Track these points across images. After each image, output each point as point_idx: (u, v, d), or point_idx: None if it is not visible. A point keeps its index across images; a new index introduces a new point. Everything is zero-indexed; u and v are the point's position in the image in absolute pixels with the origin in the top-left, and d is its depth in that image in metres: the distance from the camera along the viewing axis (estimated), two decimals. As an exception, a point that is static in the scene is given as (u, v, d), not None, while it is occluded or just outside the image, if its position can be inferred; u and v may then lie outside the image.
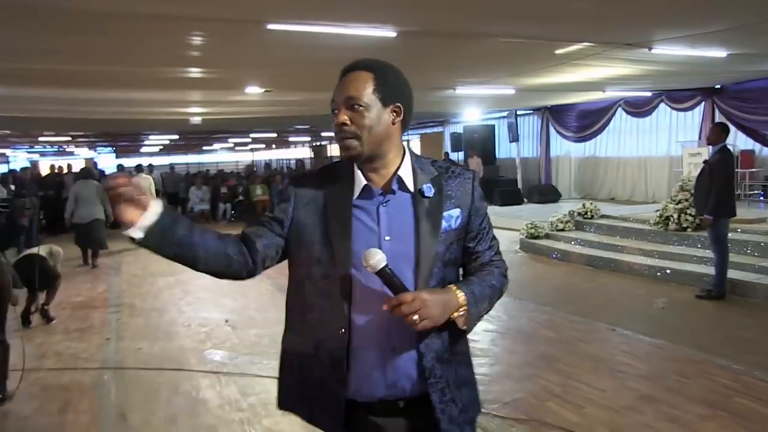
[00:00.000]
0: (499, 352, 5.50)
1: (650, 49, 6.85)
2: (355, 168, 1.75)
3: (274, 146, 36.18)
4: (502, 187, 15.99)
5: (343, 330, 1.70)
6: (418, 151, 13.82)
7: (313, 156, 31.96)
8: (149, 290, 8.73)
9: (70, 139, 22.78)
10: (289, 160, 32.85)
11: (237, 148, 35.06)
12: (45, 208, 15.45)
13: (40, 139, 21.74)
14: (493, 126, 18.13)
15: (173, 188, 19.40)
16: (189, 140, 28.25)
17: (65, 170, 18.29)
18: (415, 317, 1.58)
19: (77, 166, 19.65)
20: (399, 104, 1.72)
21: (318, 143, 32.33)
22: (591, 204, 10.71)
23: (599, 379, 4.74)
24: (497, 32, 6.13)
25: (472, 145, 17.49)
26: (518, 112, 17.07)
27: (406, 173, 1.76)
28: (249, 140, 29.27)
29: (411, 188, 1.76)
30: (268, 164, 25.62)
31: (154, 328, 6.68)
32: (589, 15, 5.50)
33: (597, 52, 7.16)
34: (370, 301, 1.68)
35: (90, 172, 11.64)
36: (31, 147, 26.76)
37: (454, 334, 1.76)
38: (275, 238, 1.79)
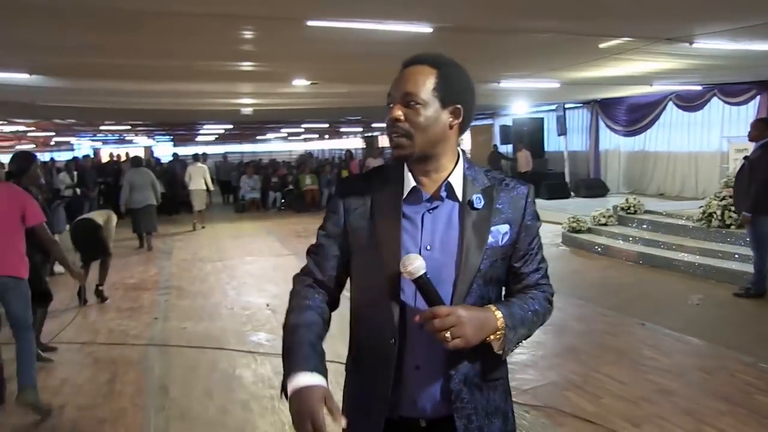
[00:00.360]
0: (526, 343, 5.61)
1: (691, 43, 6.80)
2: (405, 169, 1.65)
3: (327, 136, 36.63)
4: (549, 180, 15.94)
5: (393, 340, 1.59)
6: (467, 143, 14.10)
7: (364, 146, 32.21)
8: (197, 274, 9.11)
9: (129, 128, 23.55)
10: (341, 150, 33.17)
11: (290, 138, 35.60)
12: (104, 194, 16.16)
13: (102, 127, 22.55)
14: (542, 119, 18.02)
15: (226, 176, 19.97)
16: (243, 130, 28.81)
17: (123, 158, 18.99)
18: (447, 334, 1.47)
19: (135, 154, 20.36)
20: (459, 106, 1.60)
21: (369, 134, 32.60)
22: (635, 199, 10.62)
23: (620, 370, 4.83)
24: (534, 28, 6.20)
25: (520, 137, 17.43)
26: (567, 106, 16.93)
27: (457, 180, 1.64)
28: (301, 130, 29.71)
29: (460, 197, 1.64)
30: (311, 154, 25.91)
31: (199, 310, 7.03)
32: (627, 10, 5.52)
33: (637, 47, 7.14)
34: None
35: (140, 160, 12.17)
36: (94, 135, 27.75)
37: (488, 357, 1.61)
38: (336, 259, 1.71)
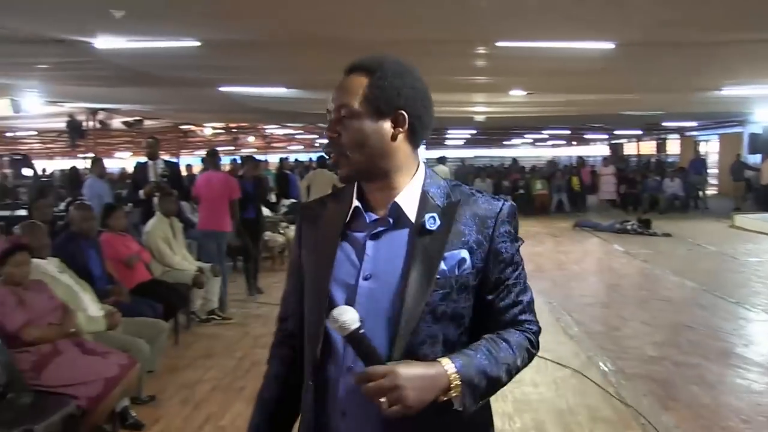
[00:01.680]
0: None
1: None
2: (355, 187, 1.44)
3: (574, 143, 36.38)
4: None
5: (310, 382, 1.40)
6: (715, 152, 13.80)
7: (609, 153, 31.52)
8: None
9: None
10: (595, 156, 32.68)
11: (537, 144, 35.98)
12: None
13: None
14: (798, 128, 16.47)
15: (462, 180, 21.26)
16: (490, 135, 29.97)
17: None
18: (383, 400, 1.22)
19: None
20: (402, 112, 1.37)
21: (615, 141, 31.87)
22: None
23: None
24: (728, 40, 6.30)
25: (768, 147, 16.14)
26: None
27: (409, 200, 1.39)
28: (546, 136, 30.05)
29: (412, 218, 1.38)
30: (551, 161, 26.13)
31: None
32: None
33: None
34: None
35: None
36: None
37: (443, 415, 1.29)
38: (296, 293, 1.51)
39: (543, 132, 26.63)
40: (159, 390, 4.51)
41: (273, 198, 12.55)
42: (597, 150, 34.40)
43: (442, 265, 1.33)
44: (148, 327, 4.45)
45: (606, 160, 20.43)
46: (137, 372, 3.77)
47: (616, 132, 26.17)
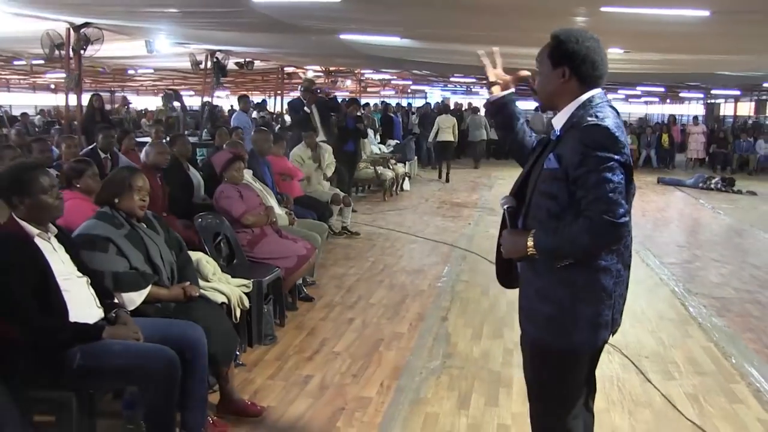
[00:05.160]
0: None
1: None
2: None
3: (668, 101, 35.93)
4: None
5: None
6: None
7: (704, 113, 31.09)
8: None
9: (475, 80, 26.65)
10: (682, 115, 32.33)
11: (630, 100, 35.74)
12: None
13: (452, 79, 26.01)
14: None
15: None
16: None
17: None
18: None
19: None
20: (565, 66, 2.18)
21: (712, 101, 31.35)
22: None
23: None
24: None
25: None
26: None
27: (558, 120, 2.24)
28: (638, 93, 29.92)
29: (558, 132, 2.22)
30: (641, 118, 26.24)
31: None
32: None
33: None
34: None
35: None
36: (445, 86, 31.63)
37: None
38: None
39: (636, 88, 26.62)
40: (317, 277, 5.86)
41: (377, 138, 13.81)
42: (692, 109, 33.91)
43: (545, 163, 2.17)
44: (314, 226, 5.77)
45: (696, 119, 20.57)
46: (315, 256, 5.09)
47: (712, 91, 25.89)
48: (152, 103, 27.70)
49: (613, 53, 11.40)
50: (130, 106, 17.60)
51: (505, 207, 2.33)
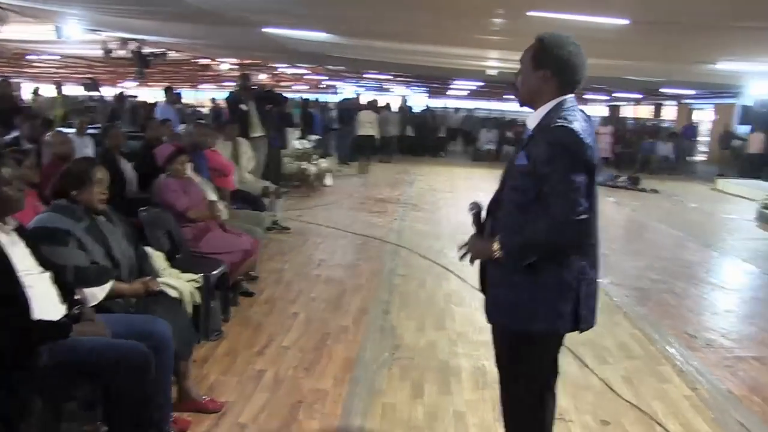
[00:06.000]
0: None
1: None
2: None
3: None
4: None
5: None
6: (709, 121, 15.72)
7: (608, 114, 32.66)
8: (430, 198, 11.57)
9: (390, 77, 26.89)
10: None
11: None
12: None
13: (365, 75, 26.16)
14: (787, 102, 17.77)
15: (469, 128, 22.48)
16: (492, 88, 30.96)
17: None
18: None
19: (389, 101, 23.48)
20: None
21: (613, 103, 33.02)
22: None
23: None
24: (731, 25, 7.46)
25: (758, 119, 17.45)
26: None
27: (532, 120, 2.39)
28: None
29: (530, 131, 2.38)
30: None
31: (426, 218, 9.44)
32: None
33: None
34: None
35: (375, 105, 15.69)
36: (357, 82, 31.76)
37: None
38: None
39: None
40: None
41: (298, 133, 13.75)
42: (595, 110, 35.53)
43: (517, 160, 2.37)
44: (253, 218, 5.73)
45: (605, 120, 21.59)
46: (259, 250, 5.07)
47: (615, 94, 27.22)
48: (51, 92, 26.31)
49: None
50: (39, 92, 16.65)
51: (472, 212, 2.55)
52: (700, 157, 21.69)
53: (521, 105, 2.47)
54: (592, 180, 2.30)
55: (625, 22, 7.43)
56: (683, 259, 7.68)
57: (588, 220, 2.26)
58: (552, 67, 2.33)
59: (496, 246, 2.35)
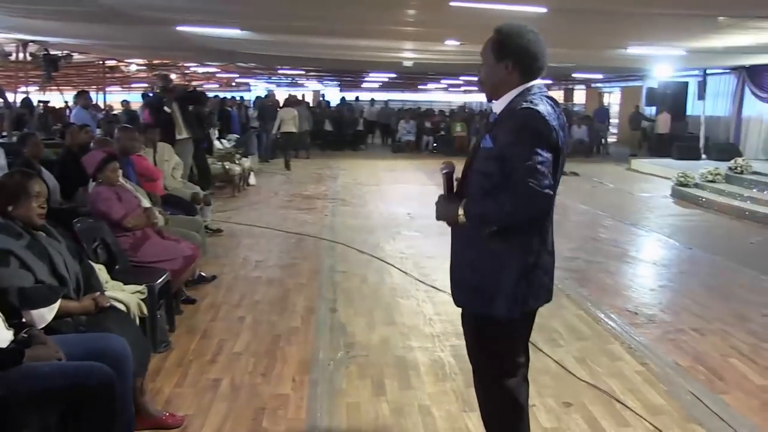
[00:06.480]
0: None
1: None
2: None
3: (483, 90, 38.27)
4: (682, 142, 16.82)
5: None
6: (617, 104, 16.32)
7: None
8: (357, 192, 11.55)
9: (303, 73, 26.67)
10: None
11: (450, 89, 37.59)
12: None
13: (279, 71, 25.88)
14: (686, 83, 18.65)
15: (386, 120, 22.51)
16: (406, 79, 31.19)
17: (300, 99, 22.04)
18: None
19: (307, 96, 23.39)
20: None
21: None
22: (743, 161, 11.71)
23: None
24: (651, 12, 7.75)
25: (663, 100, 18.27)
26: (714, 71, 17.47)
27: (498, 105, 2.41)
28: (460, 83, 31.60)
29: (496, 115, 2.41)
30: (461, 106, 27.89)
31: (357, 213, 9.42)
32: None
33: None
34: None
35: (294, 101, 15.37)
36: (269, 78, 31.33)
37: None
38: None
39: (459, 78, 28.06)
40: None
41: (216, 133, 13.42)
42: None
43: (483, 141, 2.38)
44: (189, 223, 5.55)
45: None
46: (201, 255, 4.91)
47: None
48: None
49: (450, 45, 11.98)
50: None
51: (444, 171, 2.48)
52: (612, 139, 22.56)
53: (488, 100, 2.48)
54: (557, 162, 2.35)
55: (542, 10, 7.61)
56: (611, 239, 7.97)
57: (551, 197, 2.30)
58: (513, 56, 2.36)
59: (461, 210, 2.36)
